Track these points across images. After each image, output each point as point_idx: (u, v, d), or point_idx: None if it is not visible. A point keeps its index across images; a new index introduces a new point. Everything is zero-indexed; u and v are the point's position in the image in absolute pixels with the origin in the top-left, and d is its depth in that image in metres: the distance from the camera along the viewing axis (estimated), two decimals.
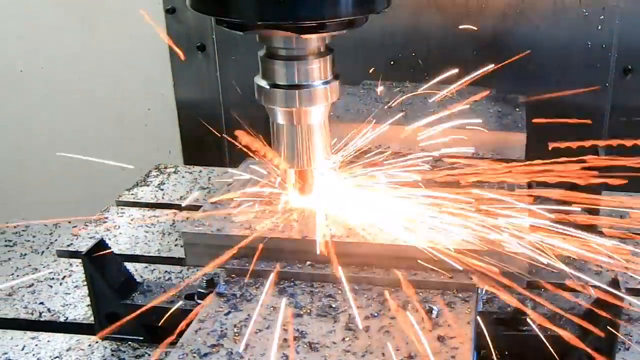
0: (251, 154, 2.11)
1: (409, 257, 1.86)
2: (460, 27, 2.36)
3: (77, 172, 3.88)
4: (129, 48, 3.65)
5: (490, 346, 1.79)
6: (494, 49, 3.14)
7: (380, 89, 2.77)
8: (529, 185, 2.18)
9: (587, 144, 2.18)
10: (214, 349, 1.65)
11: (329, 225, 1.95)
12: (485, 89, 2.49)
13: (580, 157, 2.08)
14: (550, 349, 1.78)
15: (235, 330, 1.71)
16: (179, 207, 2.61)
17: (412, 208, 2.01)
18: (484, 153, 2.41)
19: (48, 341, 2.00)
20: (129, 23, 3.58)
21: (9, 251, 2.44)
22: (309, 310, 1.77)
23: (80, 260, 2.27)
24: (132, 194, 2.73)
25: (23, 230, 2.56)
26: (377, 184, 2.12)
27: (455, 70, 2.34)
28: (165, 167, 2.96)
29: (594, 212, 2.25)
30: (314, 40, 1.84)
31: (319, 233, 1.90)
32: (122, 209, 2.62)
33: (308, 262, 1.90)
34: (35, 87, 3.81)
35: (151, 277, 2.24)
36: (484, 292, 1.94)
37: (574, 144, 2.13)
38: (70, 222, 2.57)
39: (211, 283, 1.92)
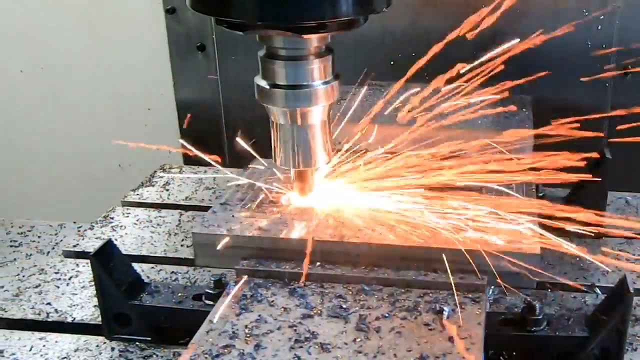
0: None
1: (417, 258, 1.88)
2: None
3: (77, 173, 3.89)
4: (129, 48, 3.64)
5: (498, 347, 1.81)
6: (494, 49, 3.14)
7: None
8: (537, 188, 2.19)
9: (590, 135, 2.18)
10: (225, 350, 1.66)
11: (338, 226, 1.97)
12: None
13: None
14: (559, 349, 1.79)
15: (247, 331, 1.71)
16: (184, 207, 2.61)
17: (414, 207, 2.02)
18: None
19: (56, 342, 1.99)
20: (129, 23, 3.58)
21: (14, 251, 2.44)
22: (319, 311, 1.77)
23: (86, 261, 2.28)
24: (137, 194, 2.73)
25: (28, 231, 2.55)
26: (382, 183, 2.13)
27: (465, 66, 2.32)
28: (171, 168, 2.96)
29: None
30: (314, 41, 1.84)
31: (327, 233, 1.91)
32: (127, 209, 2.62)
33: (318, 263, 1.91)
34: (35, 87, 3.81)
35: (158, 278, 2.24)
36: (490, 292, 1.95)
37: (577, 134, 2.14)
38: (75, 223, 2.57)
39: (219, 283, 1.92)
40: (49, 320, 2.10)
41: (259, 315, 1.76)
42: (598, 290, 2.09)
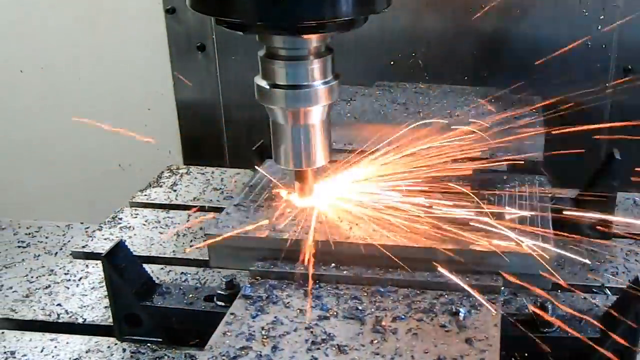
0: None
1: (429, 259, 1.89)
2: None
3: (77, 173, 3.88)
4: (129, 48, 3.63)
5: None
6: (494, 49, 3.16)
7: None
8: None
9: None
10: (243, 352, 1.66)
11: (352, 227, 1.97)
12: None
13: None
14: (571, 350, 1.80)
15: (263, 332, 1.71)
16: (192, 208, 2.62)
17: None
18: (501, 154, 2.42)
19: (67, 343, 2.00)
20: (129, 23, 3.58)
21: (22, 252, 2.44)
22: (335, 313, 1.78)
23: (96, 262, 2.29)
24: (145, 195, 2.73)
25: (36, 232, 2.55)
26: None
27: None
28: (178, 168, 2.96)
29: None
30: (313, 41, 1.83)
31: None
32: (135, 210, 2.62)
33: (332, 264, 1.91)
34: (35, 87, 3.80)
35: (167, 279, 2.24)
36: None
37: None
38: (82, 223, 2.57)
39: (231, 285, 1.92)
40: (60, 321, 2.10)
41: (275, 317, 1.76)
42: (608, 291, 2.10)
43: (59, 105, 3.80)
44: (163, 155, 3.68)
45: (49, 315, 2.11)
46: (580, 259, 2.04)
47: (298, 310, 1.78)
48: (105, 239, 2.43)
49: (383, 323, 1.73)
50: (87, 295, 2.19)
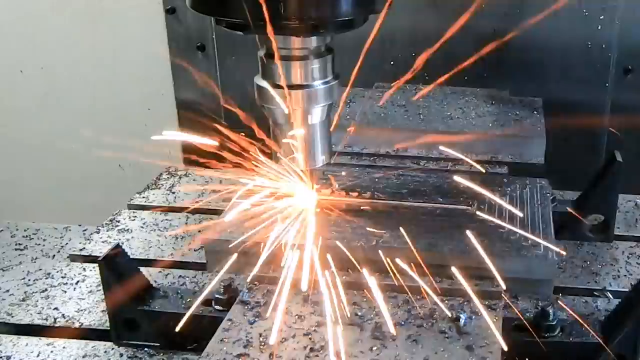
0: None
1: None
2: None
3: (77, 173, 3.88)
4: (129, 48, 3.63)
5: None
6: (494, 49, 3.14)
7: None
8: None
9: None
10: (240, 359, 1.64)
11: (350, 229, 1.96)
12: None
13: None
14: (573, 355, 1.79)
15: (261, 339, 1.70)
16: (191, 211, 2.60)
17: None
18: (502, 157, 2.42)
19: (63, 347, 1.97)
20: (129, 23, 3.57)
21: (19, 255, 2.42)
22: (334, 319, 1.76)
23: (93, 265, 2.27)
24: (143, 197, 2.71)
25: (33, 234, 2.53)
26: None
27: None
28: (176, 170, 2.95)
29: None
30: (313, 41, 1.82)
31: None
32: (133, 212, 2.60)
33: (331, 269, 1.89)
34: (35, 87, 3.79)
35: (165, 282, 2.21)
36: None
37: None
38: (80, 226, 2.55)
39: (229, 289, 1.91)
40: (57, 325, 2.07)
41: (273, 323, 1.74)
42: (610, 295, 2.08)
43: (59, 105, 3.80)
44: (163, 155, 3.66)
45: (46, 319, 2.09)
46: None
47: (297, 317, 1.77)
48: (103, 242, 2.41)
49: (383, 329, 1.71)
50: (85, 299, 2.17)
